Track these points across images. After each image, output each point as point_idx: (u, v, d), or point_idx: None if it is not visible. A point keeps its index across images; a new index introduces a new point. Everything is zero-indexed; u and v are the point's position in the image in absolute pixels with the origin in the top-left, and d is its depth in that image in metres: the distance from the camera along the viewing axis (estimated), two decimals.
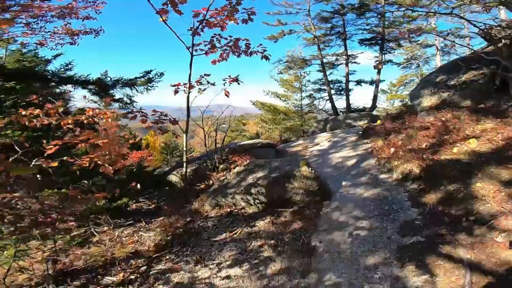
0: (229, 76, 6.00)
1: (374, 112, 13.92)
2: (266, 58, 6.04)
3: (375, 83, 15.09)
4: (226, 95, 6.02)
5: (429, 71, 15.24)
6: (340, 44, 15.28)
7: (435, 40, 15.77)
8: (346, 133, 8.84)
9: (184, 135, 5.62)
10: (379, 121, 8.41)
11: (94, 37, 7.16)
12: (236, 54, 6.11)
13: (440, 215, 3.34)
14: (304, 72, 15.78)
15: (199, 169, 7.15)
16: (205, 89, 6.24)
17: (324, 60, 15.20)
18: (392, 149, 4.88)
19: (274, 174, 4.59)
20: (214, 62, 6.16)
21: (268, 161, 5.23)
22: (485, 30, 6.07)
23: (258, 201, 4.56)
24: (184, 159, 5.70)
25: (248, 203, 4.67)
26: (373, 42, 14.84)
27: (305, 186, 4.32)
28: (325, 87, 15.87)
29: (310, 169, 4.39)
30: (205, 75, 6.08)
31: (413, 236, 3.17)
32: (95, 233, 4.64)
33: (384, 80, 17.65)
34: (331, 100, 15.36)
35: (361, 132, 7.91)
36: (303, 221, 3.98)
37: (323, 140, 8.66)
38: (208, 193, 5.34)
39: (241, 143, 8.18)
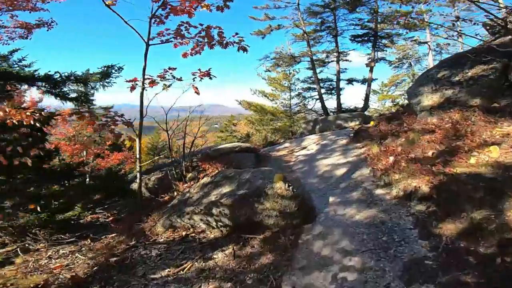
0: (199, 70, 5.09)
1: (366, 113, 13.05)
2: (244, 49, 5.17)
3: (367, 81, 14.26)
4: (196, 92, 5.18)
5: (421, 71, 14.50)
6: (331, 41, 14.44)
7: (429, 39, 15.05)
8: (337, 136, 7.92)
9: (137, 139, 4.59)
10: (372, 122, 7.51)
11: (47, 30, 6.48)
12: (209, 45, 5.28)
13: (462, 253, 2.37)
14: (293, 70, 14.86)
15: (165, 177, 6.14)
16: (170, 85, 5.35)
17: (314, 57, 14.26)
18: (391, 158, 3.93)
19: (241, 190, 3.58)
20: (185, 55, 5.29)
21: (239, 172, 4.22)
22: (498, 19, 5.23)
23: (221, 223, 3.55)
24: (138, 169, 4.65)
25: (210, 226, 3.66)
26: (366, 38, 14.03)
27: (280, 207, 3.32)
28: (314, 86, 14.95)
29: (287, 185, 3.39)
30: (169, 68, 5.17)
31: (423, 285, 2.24)
32: (19, 252, 3.86)
33: (377, 79, 16.81)
34: (321, 99, 14.41)
35: (352, 135, 7.00)
36: (275, 253, 3.01)
37: (311, 143, 7.74)
38: (164, 210, 4.31)
39: (217, 147, 7.16)
